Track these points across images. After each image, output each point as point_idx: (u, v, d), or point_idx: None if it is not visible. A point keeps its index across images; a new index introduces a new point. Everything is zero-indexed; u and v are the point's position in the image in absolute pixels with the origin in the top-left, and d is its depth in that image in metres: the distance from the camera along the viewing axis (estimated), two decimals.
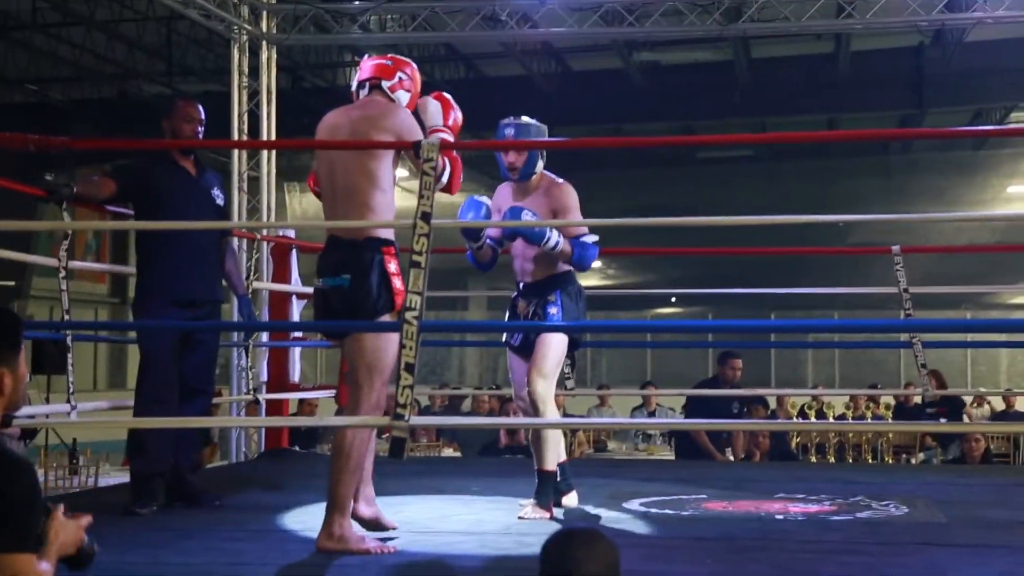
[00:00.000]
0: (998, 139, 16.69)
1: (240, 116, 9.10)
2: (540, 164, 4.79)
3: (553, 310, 4.76)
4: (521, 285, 4.87)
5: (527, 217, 4.59)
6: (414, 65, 4.23)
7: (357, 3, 9.87)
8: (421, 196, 3.67)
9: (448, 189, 4.07)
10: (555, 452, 4.80)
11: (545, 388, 4.68)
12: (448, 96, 4.32)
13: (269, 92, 9.20)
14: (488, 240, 4.87)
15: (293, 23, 9.60)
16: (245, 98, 9.15)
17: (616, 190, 15.55)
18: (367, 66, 4.18)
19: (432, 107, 4.23)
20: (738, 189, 17.07)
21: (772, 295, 11.82)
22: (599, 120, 15.08)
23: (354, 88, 4.22)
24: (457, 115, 4.30)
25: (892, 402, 9.84)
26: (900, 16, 9.48)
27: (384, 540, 4.02)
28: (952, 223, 17.34)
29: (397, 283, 3.88)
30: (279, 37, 9.42)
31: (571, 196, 4.77)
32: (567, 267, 4.82)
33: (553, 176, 4.85)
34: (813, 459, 8.31)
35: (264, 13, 9.34)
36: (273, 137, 9.33)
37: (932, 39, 13.20)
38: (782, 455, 8.80)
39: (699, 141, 15.21)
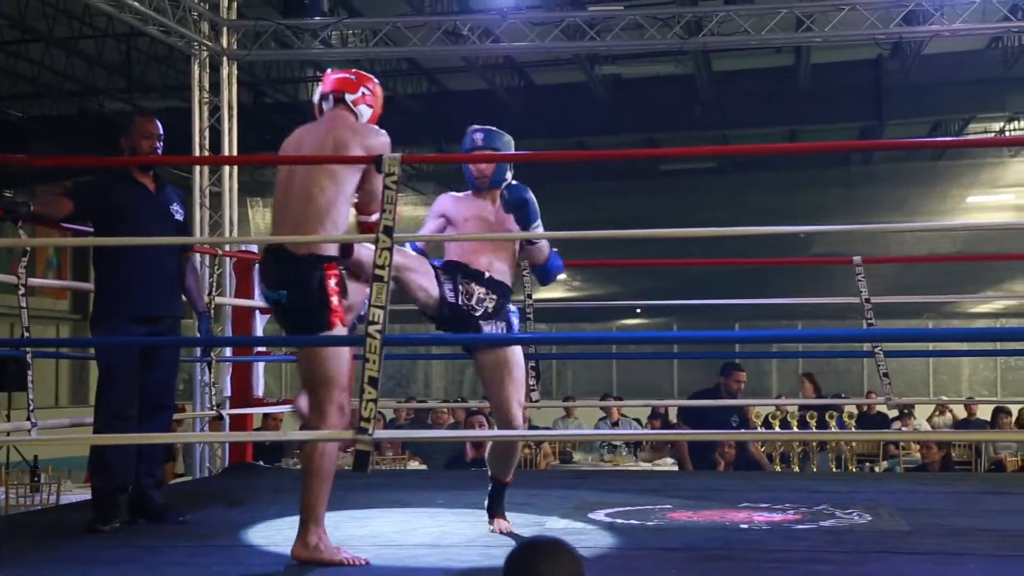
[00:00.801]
0: (957, 150, 16.87)
1: (201, 132, 9.08)
2: (509, 173, 4.75)
3: (516, 320, 4.62)
4: (484, 273, 4.54)
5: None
6: (376, 81, 4.24)
7: (318, 19, 9.86)
8: (383, 210, 3.66)
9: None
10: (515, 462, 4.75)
11: (520, 412, 4.52)
12: None
13: (230, 108, 9.19)
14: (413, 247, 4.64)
15: (254, 39, 9.59)
16: (206, 114, 9.14)
17: (579, 203, 15.58)
18: (330, 79, 4.20)
19: None
20: (701, 201, 17.15)
21: (736, 306, 11.90)
22: (562, 133, 15.12)
23: (316, 100, 4.22)
24: None
25: (855, 411, 9.90)
26: (859, 29, 9.60)
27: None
28: (913, 233, 17.52)
29: (335, 301, 3.87)
30: (240, 53, 9.41)
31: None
32: (511, 277, 4.70)
33: (519, 184, 4.76)
34: (777, 468, 8.35)
35: (224, 29, 9.32)
36: (235, 152, 9.32)
37: (890, 52, 13.33)
38: (747, 464, 8.83)
39: (662, 154, 15.31)
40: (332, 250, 3.93)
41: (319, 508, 3.91)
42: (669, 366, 17.06)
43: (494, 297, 4.60)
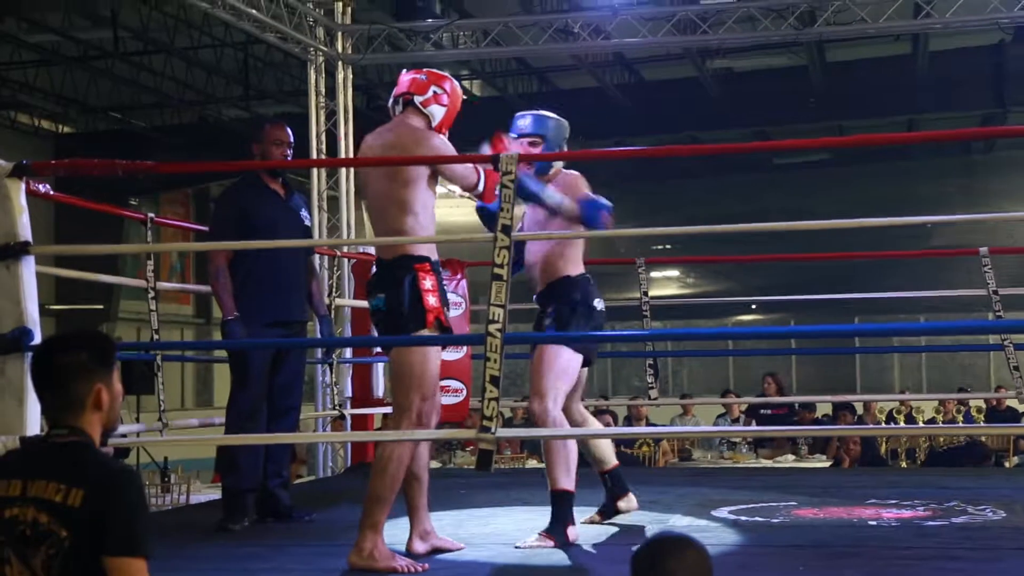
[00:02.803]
0: None
1: (318, 136, 9.21)
2: (558, 164, 4.55)
3: (547, 321, 4.47)
4: (535, 297, 4.61)
5: (526, 180, 4.14)
6: (453, 80, 4.17)
7: (430, 21, 9.92)
8: (501, 209, 3.67)
9: (482, 197, 4.10)
10: (567, 468, 4.31)
11: (541, 407, 4.29)
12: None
13: (346, 111, 9.30)
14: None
15: (367, 43, 9.68)
16: (323, 118, 9.26)
17: (693, 198, 15.46)
18: (403, 81, 4.14)
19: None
20: (817, 194, 16.88)
21: (855, 300, 11.66)
22: (673, 129, 15.00)
23: (390, 104, 4.21)
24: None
25: (983, 406, 9.64)
26: (981, 14, 9.32)
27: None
28: None
29: (431, 300, 3.86)
30: (354, 57, 9.52)
31: (579, 180, 4.50)
32: (568, 273, 4.48)
33: (568, 170, 4.60)
34: (903, 464, 8.19)
35: (339, 34, 9.44)
36: (351, 155, 9.43)
37: (1013, 36, 12.95)
38: (871, 461, 8.68)
39: (776, 147, 15.01)
40: (423, 251, 3.91)
41: (380, 515, 3.81)
42: (787, 362, 16.82)
43: (549, 308, 4.51)
